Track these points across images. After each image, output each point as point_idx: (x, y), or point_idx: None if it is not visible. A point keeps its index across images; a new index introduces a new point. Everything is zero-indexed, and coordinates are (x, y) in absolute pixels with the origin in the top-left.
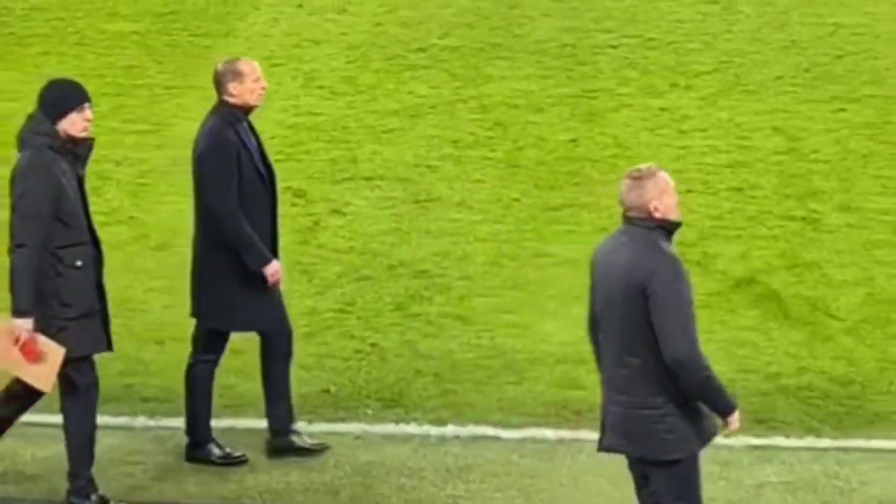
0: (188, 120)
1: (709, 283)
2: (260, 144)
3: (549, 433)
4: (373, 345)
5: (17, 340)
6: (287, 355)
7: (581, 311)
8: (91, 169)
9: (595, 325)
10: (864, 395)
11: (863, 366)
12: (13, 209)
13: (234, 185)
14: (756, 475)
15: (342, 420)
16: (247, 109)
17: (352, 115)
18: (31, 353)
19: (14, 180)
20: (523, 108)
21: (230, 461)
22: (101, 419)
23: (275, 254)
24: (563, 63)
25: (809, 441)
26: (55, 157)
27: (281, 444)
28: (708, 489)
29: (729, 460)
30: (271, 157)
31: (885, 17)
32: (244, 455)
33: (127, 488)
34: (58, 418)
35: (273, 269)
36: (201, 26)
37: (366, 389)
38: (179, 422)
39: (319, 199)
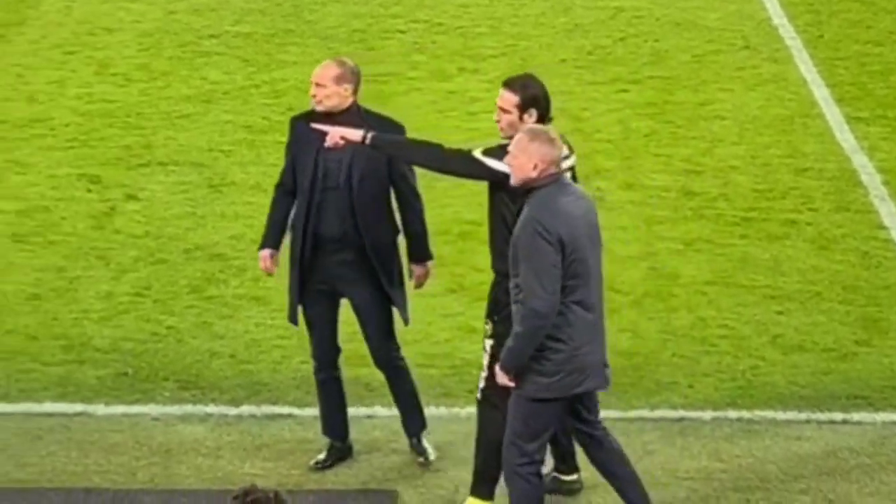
0: None
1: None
2: None
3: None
4: (169, 327)
5: None
6: None
7: None
8: None
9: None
10: (648, 367)
11: (646, 338)
12: None
13: None
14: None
15: (139, 402)
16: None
17: (146, 102)
18: None
19: None
20: None
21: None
22: None
23: None
24: (354, 48)
25: None
26: None
27: None
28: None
29: None
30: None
31: (663, 1)
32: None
33: None
34: None
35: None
36: None
37: (163, 371)
38: None
39: (114, 184)
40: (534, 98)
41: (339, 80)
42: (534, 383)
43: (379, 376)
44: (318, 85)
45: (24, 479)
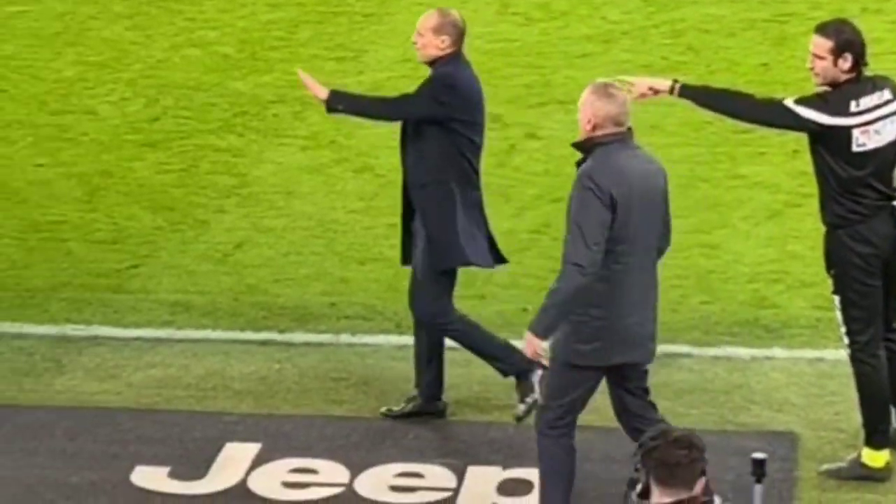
0: (386, 47)
1: None
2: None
3: (742, 351)
4: None
5: None
6: None
7: (772, 232)
8: (293, 95)
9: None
10: None
11: None
12: None
13: None
14: None
15: None
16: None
17: (546, 41)
18: None
19: None
20: (715, 33)
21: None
22: (304, 336)
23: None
24: None
25: None
26: None
27: None
28: None
29: None
30: None
31: None
32: None
33: (329, 402)
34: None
35: None
36: None
37: None
38: (380, 339)
39: (515, 123)
40: (848, 42)
41: (437, 30)
42: (571, 349)
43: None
44: (418, 33)
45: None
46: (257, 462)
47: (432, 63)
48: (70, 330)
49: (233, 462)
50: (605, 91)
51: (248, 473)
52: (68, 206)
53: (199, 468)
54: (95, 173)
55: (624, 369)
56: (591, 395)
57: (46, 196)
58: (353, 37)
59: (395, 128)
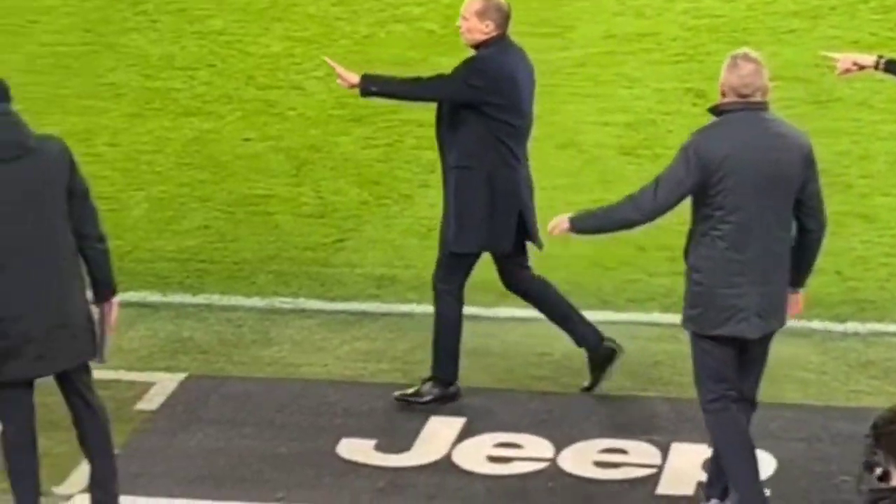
0: (591, 22)
1: None
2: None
3: None
4: None
5: None
6: None
7: None
8: None
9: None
10: None
11: None
12: None
13: None
14: None
15: None
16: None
17: (752, 17)
18: None
19: None
20: None
21: None
22: (509, 311)
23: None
24: None
25: None
26: None
27: None
28: None
29: None
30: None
31: None
32: None
33: (533, 378)
34: None
35: None
36: None
37: None
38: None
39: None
40: None
41: (481, 14)
42: (685, 313)
43: None
44: (462, 17)
45: (630, 387)
46: (462, 436)
47: (477, 47)
48: (278, 302)
49: (438, 436)
50: (732, 61)
51: (453, 447)
52: (276, 180)
53: (404, 441)
54: (302, 148)
55: (743, 345)
56: (729, 369)
57: (254, 170)
58: (557, 12)
59: (599, 105)
